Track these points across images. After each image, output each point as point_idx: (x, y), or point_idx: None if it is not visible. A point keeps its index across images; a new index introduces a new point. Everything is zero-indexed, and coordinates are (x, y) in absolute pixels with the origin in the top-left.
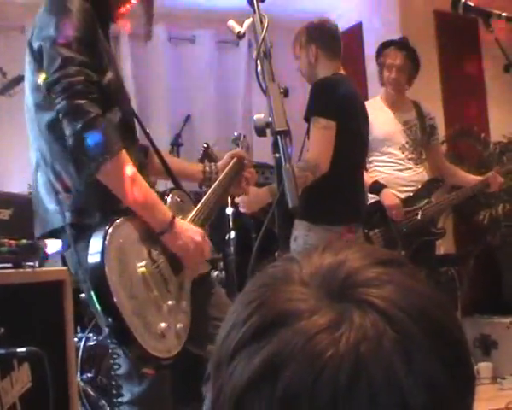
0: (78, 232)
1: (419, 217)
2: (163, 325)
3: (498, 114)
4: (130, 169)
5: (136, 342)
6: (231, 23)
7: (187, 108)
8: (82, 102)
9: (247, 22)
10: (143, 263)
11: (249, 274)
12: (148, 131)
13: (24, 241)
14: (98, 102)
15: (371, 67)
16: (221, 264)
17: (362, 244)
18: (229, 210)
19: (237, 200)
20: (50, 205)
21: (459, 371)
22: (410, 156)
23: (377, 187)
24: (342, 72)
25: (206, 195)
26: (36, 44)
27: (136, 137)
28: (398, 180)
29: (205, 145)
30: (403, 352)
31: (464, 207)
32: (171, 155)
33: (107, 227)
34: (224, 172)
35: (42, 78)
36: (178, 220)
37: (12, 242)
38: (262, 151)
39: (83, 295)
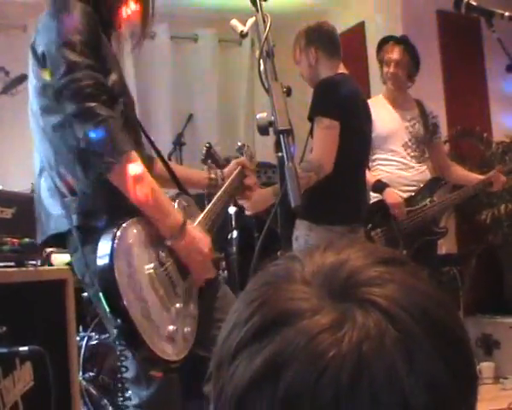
0: (85, 235)
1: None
2: (171, 328)
3: (501, 113)
4: (140, 170)
5: (145, 345)
6: (234, 22)
7: (189, 108)
8: (92, 104)
9: (250, 21)
10: (152, 266)
11: (251, 273)
12: (152, 139)
13: (26, 240)
14: (108, 104)
15: (374, 66)
16: (223, 263)
17: (364, 243)
18: (232, 210)
19: (241, 201)
20: (55, 210)
21: (461, 370)
22: (412, 154)
23: (380, 186)
24: (345, 71)
25: (212, 201)
26: (39, 49)
27: (141, 143)
28: (401, 179)
29: (207, 145)
30: (405, 351)
31: (466, 206)
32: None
33: (115, 230)
34: (229, 180)
35: (47, 81)
36: (189, 227)
37: (14, 240)
38: (265, 150)
39: (85, 294)
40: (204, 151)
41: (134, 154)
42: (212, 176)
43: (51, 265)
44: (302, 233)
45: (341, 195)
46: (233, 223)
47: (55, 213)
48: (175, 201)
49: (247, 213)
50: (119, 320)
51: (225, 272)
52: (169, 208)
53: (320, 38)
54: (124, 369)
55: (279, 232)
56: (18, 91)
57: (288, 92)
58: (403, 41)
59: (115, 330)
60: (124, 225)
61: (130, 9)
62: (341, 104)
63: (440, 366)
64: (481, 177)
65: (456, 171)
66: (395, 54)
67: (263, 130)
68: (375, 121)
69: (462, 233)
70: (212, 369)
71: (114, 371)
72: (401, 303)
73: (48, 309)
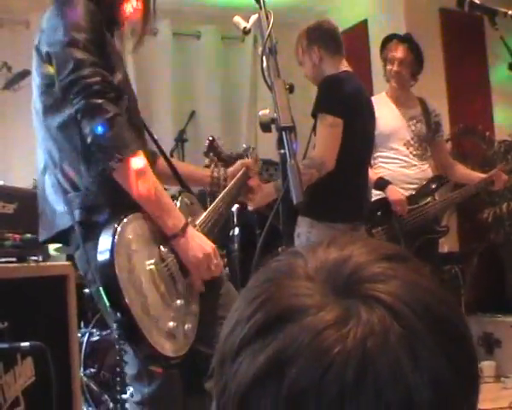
0: (87, 231)
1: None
2: (171, 324)
3: (503, 112)
4: (146, 168)
5: (145, 340)
6: (237, 19)
7: (192, 104)
8: (100, 101)
9: (253, 18)
10: (153, 261)
11: (253, 270)
12: (155, 137)
13: (28, 235)
14: (115, 101)
15: (376, 64)
16: (225, 260)
17: (366, 239)
18: (234, 206)
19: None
20: (59, 206)
21: (464, 367)
22: (414, 152)
23: (382, 183)
24: (348, 68)
25: (216, 201)
26: (44, 49)
27: (144, 140)
28: (403, 177)
29: (210, 138)
30: (409, 347)
31: (468, 204)
32: (176, 160)
33: (116, 225)
34: (233, 181)
35: (53, 79)
36: (191, 228)
37: (16, 236)
38: (267, 147)
39: (86, 290)
40: (206, 144)
41: (140, 152)
42: (215, 174)
43: None
44: (304, 230)
45: (343, 192)
46: (235, 220)
47: (59, 209)
48: (178, 198)
49: (250, 208)
50: (119, 315)
51: (227, 268)
52: (170, 207)
53: (321, 36)
54: (124, 363)
55: (281, 229)
56: (20, 87)
57: (291, 89)
58: (407, 39)
59: (115, 325)
60: (125, 220)
61: (131, 6)
62: (345, 102)
63: (443, 362)
64: (483, 175)
65: (459, 169)
66: (399, 52)
67: (265, 127)
68: (378, 119)
69: (464, 231)
70: (215, 365)
71: (115, 368)
72: (404, 299)
73: (49, 305)
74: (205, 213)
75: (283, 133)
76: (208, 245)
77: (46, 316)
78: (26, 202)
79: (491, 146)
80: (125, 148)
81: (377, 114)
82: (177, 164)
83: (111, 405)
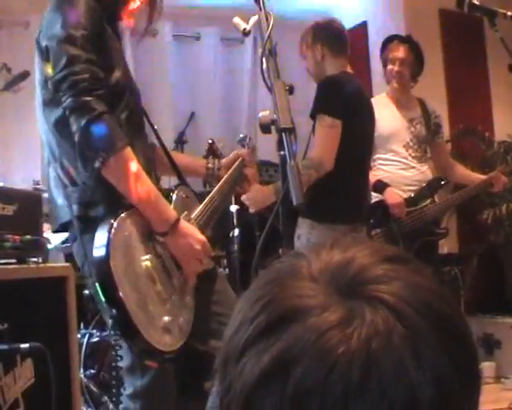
0: (85, 225)
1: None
2: (166, 318)
3: (503, 113)
4: (134, 166)
5: (140, 335)
6: (237, 20)
7: (191, 106)
8: (88, 98)
9: (253, 19)
10: (148, 257)
11: (253, 272)
12: (156, 127)
13: (28, 236)
14: (104, 98)
15: (376, 65)
16: (225, 261)
17: (368, 241)
18: (234, 208)
19: (243, 198)
20: (59, 200)
21: (465, 365)
22: (414, 154)
23: (381, 186)
24: (349, 70)
25: (212, 193)
26: (43, 43)
27: (144, 133)
28: (402, 179)
29: (210, 141)
30: (412, 347)
31: (468, 206)
32: (175, 152)
33: (112, 220)
34: (229, 172)
35: (49, 74)
36: (182, 223)
37: (16, 237)
38: (267, 149)
39: (86, 291)
40: (206, 147)
41: (128, 150)
42: (210, 165)
43: None
44: (304, 232)
45: (343, 194)
46: (234, 221)
47: (59, 202)
48: (174, 192)
49: (251, 210)
50: (114, 310)
51: (226, 270)
52: (162, 206)
53: (327, 35)
54: (118, 358)
55: (281, 231)
56: (20, 88)
57: (291, 90)
58: (408, 40)
59: (110, 320)
60: (121, 215)
61: (136, 4)
62: (345, 103)
63: (445, 359)
64: (483, 177)
65: (459, 170)
66: (400, 52)
67: (265, 128)
68: (378, 121)
69: (464, 233)
70: (218, 366)
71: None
72: (407, 300)
73: (49, 306)
74: (200, 207)
75: (283, 135)
76: (198, 240)
77: (46, 317)
78: (26, 204)
79: (490, 147)
80: (112, 146)
81: (377, 115)
82: (176, 156)
83: (111, 406)
